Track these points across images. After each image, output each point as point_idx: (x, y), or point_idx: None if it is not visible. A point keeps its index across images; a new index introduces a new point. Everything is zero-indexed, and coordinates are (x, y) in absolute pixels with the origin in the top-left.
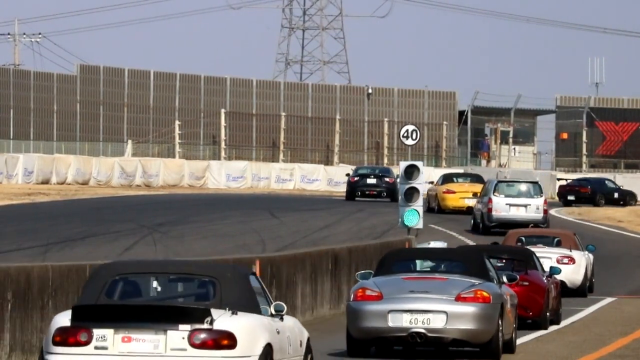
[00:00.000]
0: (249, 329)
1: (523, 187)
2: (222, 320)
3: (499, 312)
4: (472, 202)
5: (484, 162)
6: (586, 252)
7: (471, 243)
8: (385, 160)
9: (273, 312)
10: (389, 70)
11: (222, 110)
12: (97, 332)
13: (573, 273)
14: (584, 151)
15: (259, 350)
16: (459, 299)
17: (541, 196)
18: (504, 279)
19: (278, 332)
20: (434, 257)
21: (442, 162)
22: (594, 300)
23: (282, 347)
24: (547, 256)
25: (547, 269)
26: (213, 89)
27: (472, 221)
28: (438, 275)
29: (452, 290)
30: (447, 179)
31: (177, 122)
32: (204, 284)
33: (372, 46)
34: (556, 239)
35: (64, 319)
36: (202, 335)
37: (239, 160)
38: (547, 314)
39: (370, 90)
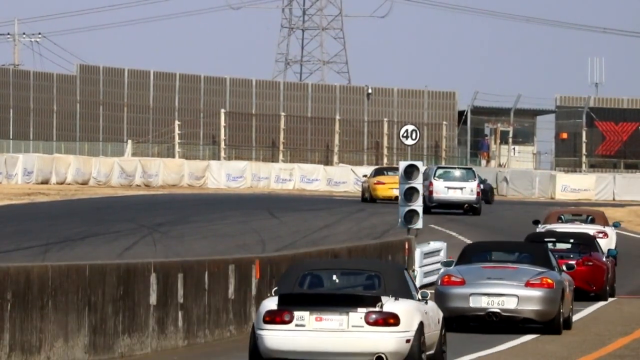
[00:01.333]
0: (407, 310)
1: (458, 173)
2: (389, 304)
3: (560, 295)
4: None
5: (483, 162)
6: (614, 228)
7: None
8: (385, 160)
9: (420, 297)
10: (389, 70)
11: (222, 110)
12: (297, 313)
13: (607, 245)
14: (584, 151)
15: (415, 326)
16: (528, 284)
17: (475, 180)
18: (564, 267)
19: (426, 313)
20: (506, 249)
21: (441, 162)
22: (594, 300)
23: (429, 324)
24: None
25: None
26: (213, 89)
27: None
28: (510, 265)
29: (522, 278)
30: (378, 172)
31: (177, 122)
32: (371, 277)
33: (372, 46)
34: (590, 217)
35: (271, 303)
36: (374, 316)
37: (238, 160)
38: (607, 288)
39: (370, 90)
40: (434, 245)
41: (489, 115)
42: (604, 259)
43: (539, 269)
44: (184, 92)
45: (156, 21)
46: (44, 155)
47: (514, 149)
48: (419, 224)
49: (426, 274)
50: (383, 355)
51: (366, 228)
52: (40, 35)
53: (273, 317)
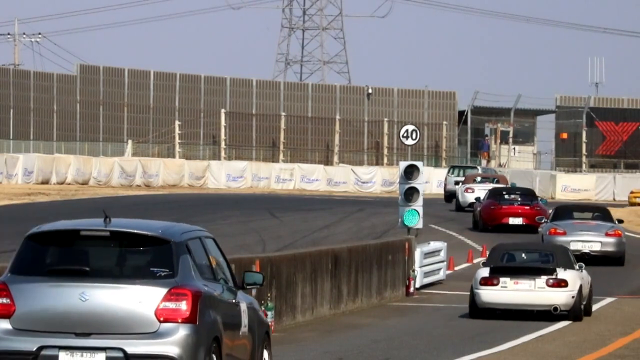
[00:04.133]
0: (572, 277)
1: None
2: (560, 273)
3: (625, 241)
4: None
5: (484, 162)
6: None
7: (468, 241)
8: (385, 160)
9: (577, 268)
10: (389, 70)
11: (222, 110)
12: (501, 279)
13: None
14: (584, 151)
15: (577, 287)
16: (607, 234)
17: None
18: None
19: (582, 278)
20: (586, 210)
21: (442, 162)
22: (594, 300)
23: (584, 285)
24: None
25: None
26: (213, 89)
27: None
28: (592, 222)
29: (602, 230)
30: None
31: (177, 122)
32: (547, 255)
33: (372, 46)
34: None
35: (484, 272)
36: (552, 281)
37: (239, 160)
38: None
39: (370, 90)
40: (434, 245)
41: (489, 115)
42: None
43: (610, 224)
44: (184, 92)
45: (156, 21)
46: (44, 155)
47: (514, 149)
48: (419, 224)
49: (426, 274)
50: (557, 306)
51: (366, 228)
52: (40, 35)
53: (486, 281)
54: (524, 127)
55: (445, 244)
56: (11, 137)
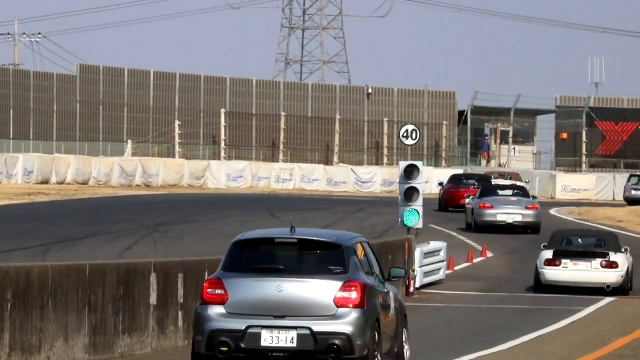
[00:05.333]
0: (622, 260)
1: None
2: (612, 256)
3: (541, 213)
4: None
5: (484, 162)
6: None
7: (468, 241)
8: (385, 160)
9: (623, 251)
10: (389, 70)
11: (222, 110)
12: (563, 260)
13: None
14: (584, 151)
15: (625, 268)
16: (526, 208)
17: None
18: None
19: (628, 260)
20: (507, 188)
21: (442, 162)
22: (594, 300)
23: (629, 266)
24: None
25: None
26: (213, 89)
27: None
28: (514, 197)
29: (522, 204)
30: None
31: (177, 122)
32: (600, 240)
33: (372, 46)
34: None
35: (548, 254)
36: (605, 263)
37: (239, 160)
38: None
39: (370, 90)
40: (434, 245)
41: (489, 115)
42: None
43: (528, 199)
44: (184, 92)
45: (156, 21)
46: (44, 155)
47: (514, 149)
48: (419, 224)
49: (426, 274)
50: (610, 284)
51: (366, 228)
52: (40, 35)
53: (549, 262)
54: (524, 127)
55: (445, 244)
56: (11, 137)
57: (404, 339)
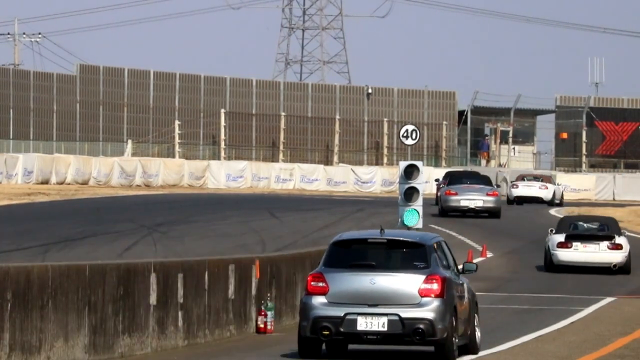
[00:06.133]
0: (625, 242)
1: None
2: (617, 239)
3: (501, 199)
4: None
5: (483, 162)
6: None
7: (468, 241)
8: (385, 160)
9: (623, 233)
10: (389, 70)
11: (222, 110)
12: (574, 243)
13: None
14: (584, 151)
15: (628, 249)
16: (487, 194)
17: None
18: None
19: (627, 242)
20: (472, 176)
21: (441, 162)
22: (594, 300)
23: (629, 247)
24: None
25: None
26: (213, 89)
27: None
28: (477, 185)
29: (484, 191)
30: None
31: (177, 122)
32: (603, 224)
33: (372, 46)
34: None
35: (560, 238)
36: (611, 245)
37: (238, 160)
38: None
39: (370, 90)
40: None
41: (489, 115)
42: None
43: (490, 187)
44: (184, 92)
45: (156, 21)
46: (44, 155)
47: (514, 148)
48: (419, 224)
49: None
50: (616, 264)
51: (366, 228)
52: (40, 35)
53: (561, 245)
54: (524, 127)
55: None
56: (11, 137)
57: (475, 323)
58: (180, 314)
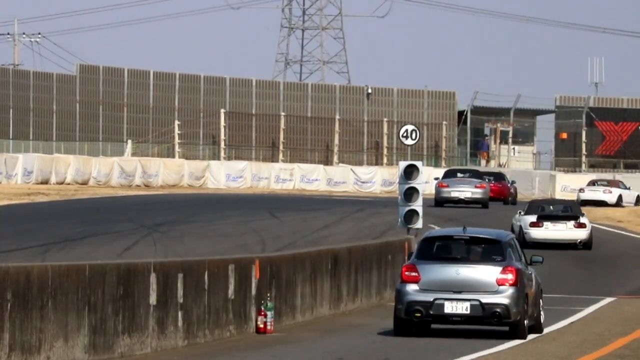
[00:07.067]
0: (587, 221)
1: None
2: (581, 219)
3: (489, 192)
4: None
5: (483, 161)
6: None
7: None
8: (385, 160)
9: (584, 214)
10: (389, 70)
11: (222, 110)
12: (544, 222)
13: None
14: (584, 151)
15: (590, 228)
16: (475, 187)
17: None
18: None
19: (589, 222)
20: (465, 171)
21: (441, 162)
22: (594, 300)
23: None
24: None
25: None
26: (213, 89)
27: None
28: (467, 179)
29: (473, 184)
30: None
31: (176, 122)
32: (566, 207)
33: (372, 46)
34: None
35: (532, 218)
36: (576, 224)
37: (238, 160)
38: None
39: (369, 90)
40: None
41: (489, 115)
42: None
43: (479, 180)
44: (184, 92)
45: (156, 21)
46: (44, 155)
47: (513, 149)
48: (419, 224)
49: None
50: (581, 240)
51: (366, 228)
52: (40, 35)
53: (533, 224)
54: (524, 127)
55: None
56: (11, 137)
57: (540, 307)
58: (180, 314)
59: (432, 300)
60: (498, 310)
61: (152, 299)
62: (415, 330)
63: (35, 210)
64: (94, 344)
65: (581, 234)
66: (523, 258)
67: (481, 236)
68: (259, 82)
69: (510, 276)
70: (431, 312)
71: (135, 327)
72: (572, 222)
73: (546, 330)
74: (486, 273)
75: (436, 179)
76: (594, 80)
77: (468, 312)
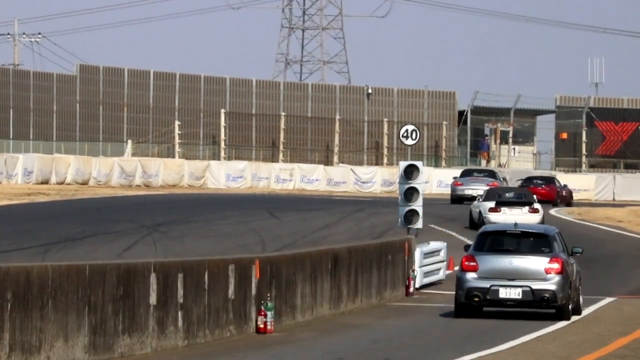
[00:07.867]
0: (540, 207)
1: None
2: (534, 205)
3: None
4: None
5: (483, 162)
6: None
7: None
8: (385, 160)
9: (537, 201)
10: (389, 70)
11: (222, 110)
12: (502, 208)
13: None
14: (584, 151)
15: (542, 213)
16: (487, 185)
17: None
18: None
19: (541, 207)
20: (480, 171)
21: (441, 162)
22: (594, 300)
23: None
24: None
25: None
26: (213, 89)
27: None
28: (482, 178)
29: (485, 182)
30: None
31: (177, 122)
32: (521, 194)
33: (372, 46)
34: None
35: (491, 204)
36: (531, 210)
37: (238, 160)
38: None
39: (370, 90)
40: (434, 245)
41: (489, 115)
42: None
43: (491, 179)
44: (184, 92)
45: (156, 21)
46: (44, 155)
47: (514, 149)
48: (419, 224)
49: (426, 274)
50: (535, 223)
51: (366, 228)
52: (40, 35)
53: (492, 209)
54: (524, 127)
55: (445, 244)
56: (11, 137)
57: (579, 292)
58: (180, 314)
59: (488, 286)
60: (547, 295)
61: (152, 299)
62: (470, 312)
63: (36, 210)
64: (94, 344)
65: (535, 218)
66: (566, 249)
67: (531, 230)
68: (259, 82)
69: (556, 265)
70: (488, 297)
71: (135, 327)
72: (526, 208)
73: (546, 330)
74: (536, 263)
75: (454, 178)
76: (594, 81)
77: (520, 297)
